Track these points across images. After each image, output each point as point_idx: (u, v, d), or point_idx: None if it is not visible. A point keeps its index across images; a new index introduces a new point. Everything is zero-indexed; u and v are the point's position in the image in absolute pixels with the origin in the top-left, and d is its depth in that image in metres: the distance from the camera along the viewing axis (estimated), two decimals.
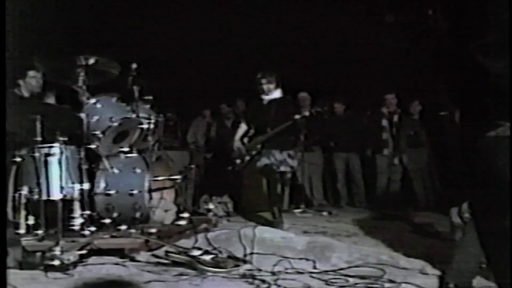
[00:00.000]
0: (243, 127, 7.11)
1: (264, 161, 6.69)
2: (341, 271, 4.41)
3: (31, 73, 6.14)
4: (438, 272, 4.23)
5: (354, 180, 9.43)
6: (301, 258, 4.79)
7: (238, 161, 7.04)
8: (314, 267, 4.58)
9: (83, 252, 4.76)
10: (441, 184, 8.72)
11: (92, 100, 5.67)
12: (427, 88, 8.81)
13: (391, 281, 4.14)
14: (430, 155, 8.95)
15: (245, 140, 7.04)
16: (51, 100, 6.43)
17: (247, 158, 6.93)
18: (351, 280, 4.19)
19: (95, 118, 5.59)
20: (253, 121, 7.04)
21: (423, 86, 8.96)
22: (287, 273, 4.37)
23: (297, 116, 6.68)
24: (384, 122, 9.16)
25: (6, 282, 3.41)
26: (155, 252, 4.99)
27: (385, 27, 10.05)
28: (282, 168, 6.77)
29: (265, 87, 6.81)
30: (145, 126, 5.91)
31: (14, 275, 4.27)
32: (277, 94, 6.86)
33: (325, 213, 8.20)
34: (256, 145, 6.82)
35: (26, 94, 6.15)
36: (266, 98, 6.86)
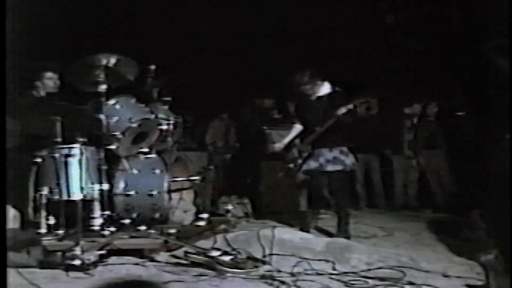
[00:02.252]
0: (297, 128, 6.50)
1: (311, 164, 6.17)
2: (361, 273, 4.40)
3: (48, 74, 6.19)
4: (460, 275, 4.21)
5: (372, 181, 9.37)
6: (320, 259, 4.77)
7: (291, 165, 6.42)
8: (334, 269, 4.56)
9: (103, 252, 4.79)
10: (458, 185, 8.66)
11: (112, 101, 5.70)
12: (443, 89, 8.80)
13: (411, 283, 4.12)
14: (446, 156, 8.89)
15: (297, 141, 6.52)
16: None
17: (300, 161, 6.32)
18: (370, 281, 4.18)
19: (115, 119, 5.61)
20: (303, 120, 6.46)
21: (440, 87, 8.95)
22: (306, 274, 4.37)
23: (340, 112, 5.95)
24: (407, 123, 9.17)
25: (6, 282, 3.44)
26: (174, 253, 5.01)
27: (403, 28, 10.06)
28: (330, 168, 6.08)
29: (310, 91, 6.26)
30: (164, 127, 5.92)
31: (35, 274, 4.33)
32: (324, 90, 6.29)
33: None
34: (307, 146, 6.26)
35: (43, 95, 6.21)
36: (314, 95, 6.32)
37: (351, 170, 6.43)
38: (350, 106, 5.95)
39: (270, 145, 6.96)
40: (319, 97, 6.25)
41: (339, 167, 6.07)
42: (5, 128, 3.89)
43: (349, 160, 6.14)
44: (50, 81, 6.24)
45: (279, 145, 6.69)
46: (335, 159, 6.07)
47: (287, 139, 6.60)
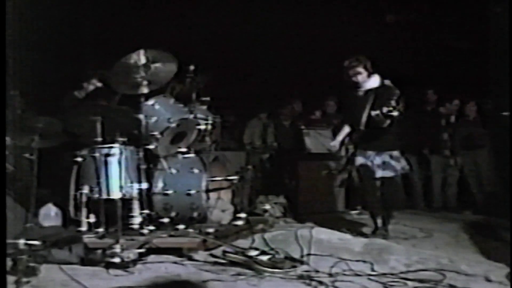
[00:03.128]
0: (345, 130, 6.01)
1: (359, 160, 5.81)
2: (400, 274, 4.35)
3: (98, 84, 6.31)
4: (501, 279, 4.12)
5: (411, 182, 9.26)
6: (358, 260, 4.74)
7: (333, 164, 6.26)
8: (372, 270, 4.52)
9: (142, 250, 4.85)
10: (500, 186, 8.48)
11: (150, 102, 5.76)
12: (486, 88, 8.64)
13: (451, 286, 4.05)
14: (489, 157, 8.72)
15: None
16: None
17: (343, 161, 6.09)
18: (410, 283, 4.13)
19: (154, 119, 5.67)
20: (347, 117, 6.06)
21: (481, 86, 8.79)
22: (344, 275, 4.34)
23: (374, 113, 5.48)
24: (443, 122, 9.04)
25: (6, 281, 3.51)
26: (213, 252, 5.03)
27: (446, 26, 9.89)
28: (380, 174, 5.73)
29: (353, 79, 5.79)
30: (202, 127, 5.96)
31: (77, 271, 4.41)
32: (373, 82, 5.82)
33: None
34: (348, 145, 5.96)
35: (81, 96, 6.35)
36: (361, 88, 5.85)
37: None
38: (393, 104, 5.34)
39: (327, 144, 6.54)
40: (367, 92, 5.79)
41: (389, 174, 5.76)
42: (5, 128, 3.97)
43: (400, 165, 5.82)
44: (92, 86, 6.36)
45: (334, 143, 6.18)
46: (384, 164, 5.73)
47: (339, 138, 6.15)
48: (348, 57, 5.92)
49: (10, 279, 4.09)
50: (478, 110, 8.82)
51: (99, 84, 6.43)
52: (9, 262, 4.31)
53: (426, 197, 9.29)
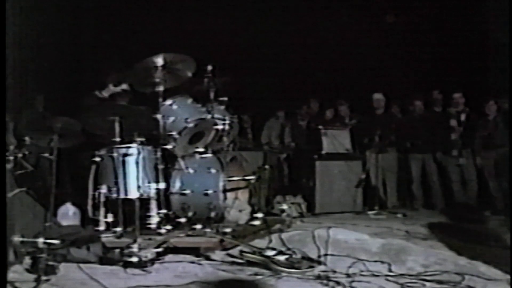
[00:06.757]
0: None
1: None
2: (418, 275, 4.32)
3: (124, 86, 6.33)
4: None
5: (430, 182, 9.19)
6: (376, 261, 4.72)
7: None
8: (390, 270, 4.50)
9: (160, 250, 4.87)
10: None
11: (168, 102, 5.78)
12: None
13: (470, 287, 4.03)
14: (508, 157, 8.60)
15: None
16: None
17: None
18: (428, 284, 4.10)
19: (171, 119, 5.70)
20: None
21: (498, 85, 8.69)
22: (362, 275, 4.32)
23: None
24: (453, 122, 8.89)
25: (6, 281, 3.54)
26: (230, 252, 5.04)
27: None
28: None
29: None
30: (220, 127, 5.97)
31: (95, 270, 4.44)
32: None
33: (399, 215, 8.06)
34: None
35: (106, 95, 6.36)
36: None
37: None
38: None
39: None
40: None
41: None
42: (5, 128, 3.98)
43: None
44: (119, 89, 6.37)
45: None
46: None
47: None
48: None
49: (30, 277, 4.16)
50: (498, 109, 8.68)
51: (125, 87, 6.44)
52: (28, 260, 4.37)
53: (445, 196, 9.20)
